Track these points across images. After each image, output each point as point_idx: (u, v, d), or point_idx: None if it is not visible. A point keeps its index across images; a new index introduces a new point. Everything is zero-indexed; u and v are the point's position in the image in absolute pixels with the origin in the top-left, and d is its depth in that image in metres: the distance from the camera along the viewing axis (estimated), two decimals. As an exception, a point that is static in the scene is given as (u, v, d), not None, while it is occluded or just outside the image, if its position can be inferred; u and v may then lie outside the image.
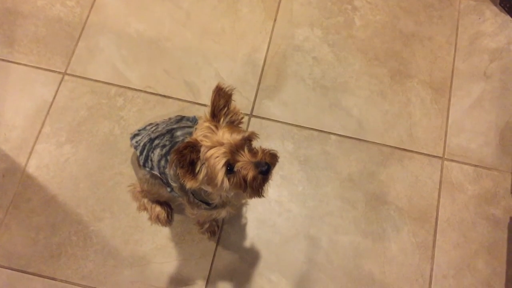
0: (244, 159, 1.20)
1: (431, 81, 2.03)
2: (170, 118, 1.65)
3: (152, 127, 1.60)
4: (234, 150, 1.20)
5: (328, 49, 2.08)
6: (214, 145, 1.19)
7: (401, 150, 1.92)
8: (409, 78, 2.04)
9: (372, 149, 1.92)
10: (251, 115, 1.96)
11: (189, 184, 1.22)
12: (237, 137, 1.21)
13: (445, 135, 1.95)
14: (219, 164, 1.19)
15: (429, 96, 2.01)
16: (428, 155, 1.92)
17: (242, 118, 1.31)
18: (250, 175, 1.20)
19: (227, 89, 1.23)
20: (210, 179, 1.22)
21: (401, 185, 1.87)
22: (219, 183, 1.21)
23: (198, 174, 1.22)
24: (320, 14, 2.13)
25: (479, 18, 2.14)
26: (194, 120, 1.61)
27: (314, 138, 1.93)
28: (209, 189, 1.29)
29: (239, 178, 1.21)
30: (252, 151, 1.23)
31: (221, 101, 1.23)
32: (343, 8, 2.14)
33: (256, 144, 1.29)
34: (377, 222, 1.82)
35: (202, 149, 1.20)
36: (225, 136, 1.20)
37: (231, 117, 1.27)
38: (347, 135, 1.94)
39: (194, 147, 1.19)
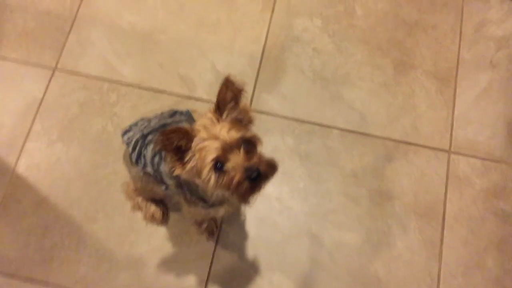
0: (235, 160, 1.13)
1: (436, 71, 1.96)
2: (162, 113, 1.58)
3: (144, 122, 1.53)
4: (228, 148, 1.13)
5: (328, 40, 2.00)
6: (209, 138, 1.13)
7: (405, 144, 1.85)
8: (413, 68, 1.96)
9: (375, 143, 1.85)
10: (248, 103, 1.88)
11: (177, 171, 1.17)
12: (234, 135, 1.14)
13: (451, 128, 1.88)
14: (208, 159, 1.12)
15: (434, 87, 1.93)
16: (434, 148, 1.85)
17: (252, 119, 1.23)
18: (237, 178, 1.13)
19: (236, 83, 1.16)
20: (198, 172, 1.16)
21: (406, 180, 1.80)
22: (205, 178, 1.15)
23: (187, 164, 1.16)
24: (320, 3, 2.05)
25: (484, 5, 2.06)
26: (187, 114, 1.54)
27: (315, 133, 1.86)
28: (200, 183, 1.22)
29: (228, 178, 1.14)
30: (249, 154, 1.15)
31: (228, 94, 1.16)
32: (343, -3, 2.07)
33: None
34: (382, 219, 1.76)
35: (196, 139, 1.14)
36: (222, 131, 1.14)
37: (238, 114, 1.20)
38: (350, 129, 1.87)
39: (185, 134, 1.13)
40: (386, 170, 1.82)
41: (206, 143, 1.13)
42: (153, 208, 1.71)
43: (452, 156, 1.84)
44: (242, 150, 1.14)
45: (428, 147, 1.85)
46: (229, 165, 1.13)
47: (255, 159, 1.14)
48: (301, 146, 1.84)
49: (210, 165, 1.13)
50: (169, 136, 1.11)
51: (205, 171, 1.14)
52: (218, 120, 1.17)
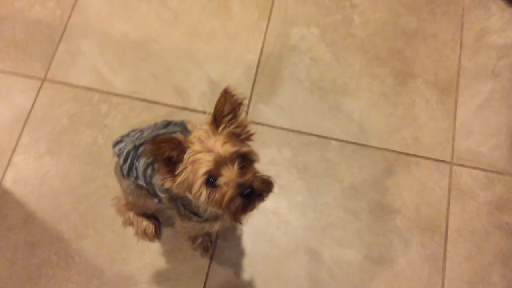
0: (228, 175, 1.07)
1: (436, 80, 1.91)
2: (156, 123, 1.53)
3: (136, 133, 1.48)
4: (222, 162, 1.08)
5: (326, 49, 1.95)
6: (203, 150, 1.08)
7: (406, 155, 1.80)
8: (412, 78, 1.91)
9: (375, 155, 1.80)
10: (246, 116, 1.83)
11: (167, 184, 1.12)
12: (229, 149, 1.09)
13: (453, 138, 1.83)
14: (199, 172, 1.07)
15: (435, 97, 1.88)
16: (436, 160, 1.79)
17: (250, 134, 1.18)
18: (229, 194, 1.07)
19: (235, 96, 1.11)
20: (189, 186, 1.10)
21: (407, 193, 1.75)
22: (196, 192, 1.09)
23: (178, 176, 1.10)
24: (317, 12, 2.01)
25: (485, 14, 2.02)
26: (182, 125, 1.49)
27: (313, 144, 1.81)
28: (191, 197, 1.17)
29: (220, 194, 1.08)
30: (244, 170, 1.10)
31: (226, 106, 1.11)
32: (341, 5, 2.02)
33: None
34: (383, 234, 1.69)
35: (189, 151, 1.09)
36: (217, 144, 1.09)
37: (236, 128, 1.15)
38: (349, 140, 1.82)
39: (177, 145, 1.08)
40: (386, 182, 1.76)
41: (199, 155, 1.08)
42: (145, 223, 1.65)
43: (454, 167, 1.78)
44: (236, 165, 1.09)
45: (429, 159, 1.79)
46: (221, 180, 1.08)
47: (249, 175, 1.09)
48: (299, 158, 1.79)
49: (202, 179, 1.08)
50: (160, 146, 1.06)
51: (196, 186, 1.09)
52: (213, 133, 1.12)
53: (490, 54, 1.95)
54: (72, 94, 1.84)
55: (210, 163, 1.07)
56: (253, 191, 1.07)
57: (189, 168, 1.09)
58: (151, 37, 1.95)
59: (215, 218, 1.34)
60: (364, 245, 1.68)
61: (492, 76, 1.92)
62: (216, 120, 1.13)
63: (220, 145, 1.09)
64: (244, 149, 1.12)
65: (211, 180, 1.08)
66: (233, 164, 1.08)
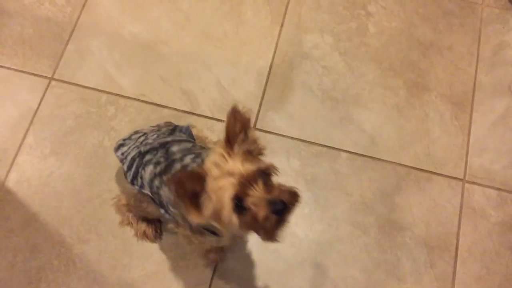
0: (256, 194, 1.02)
1: (451, 94, 1.86)
2: (158, 125, 1.49)
3: (139, 136, 1.43)
4: (246, 183, 1.02)
5: (339, 58, 1.91)
6: (223, 175, 1.03)
7: (418, 170, 1.75)
8: (427, 91, 1.87)
9: (386, 169, 1.75)
10: (254, 129, 1.79)
11: (195, 219, 1.06)
12: (250, 167, 1.04)
13: (466, 155, 1.78)
14: (226, 197, 1.02)
15: (449, 111, 1.84)
16: (448, 176, 1.75)
17: (262, 149, 1.14)
18: (262, 213, 1.01)
19: (243, 113, 1.07)
20: (217, 215, 1.05)
21: (417, 210, 1.70)
22: (226, 219, 1.04)
23: (203, 209, 1.05)
24: (331, 20, 1.97)
25: (503, 27, 1.97)
26: (187, 131, 1.45)
27: (322, 155, 1.77)
28: (218, 225, 1.12)
29: (251, 216, 1.03)
30: (268, 186, 1.05)
31: (237, 126, 1.07)
32: (356, 14, 1.98)
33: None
34: (391, 250, 1.65)
35: (209, 179, 1.04)
36: (237, 165, 1.04)
37: (249, 145, 1.10)
38: (359, 152, 1.78)
39: (198, 178, 1.03)
40: (396, 197, 1.72)
41: (221, 181, 1.03)
42: (145, 223, 1.61)
43: (467, 185, 1.74)
44: (260, 183, 1.03)
45: (441, 175, 1.75)
46: (249, 201, 1.02)
47: (276, 190, 1.04)
48: (308, 169, 1.75)
49: (230, 204, 1.02)
50: (183, 184, 1.00)
51: (225, 213, 1.03)
52: (229, 155, 1.06)
53: (507, 69, 1.90)
54: (79, 94, 1.81)
55: (235, 186, 1.02)
56: (285, 205, 1.03)
57: (214, 197, 1.04)
58: (161, 39, 1.91)
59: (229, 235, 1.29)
60: (372, 261, 1.64)
61: (508, 93, 1.87)
62: (230, 141, 1.08)
63: (240, 165, 1.04)
64: (264, 164, 1.08)
65: (238, 204, 1.03)
66: (257, 182, 1.03)
